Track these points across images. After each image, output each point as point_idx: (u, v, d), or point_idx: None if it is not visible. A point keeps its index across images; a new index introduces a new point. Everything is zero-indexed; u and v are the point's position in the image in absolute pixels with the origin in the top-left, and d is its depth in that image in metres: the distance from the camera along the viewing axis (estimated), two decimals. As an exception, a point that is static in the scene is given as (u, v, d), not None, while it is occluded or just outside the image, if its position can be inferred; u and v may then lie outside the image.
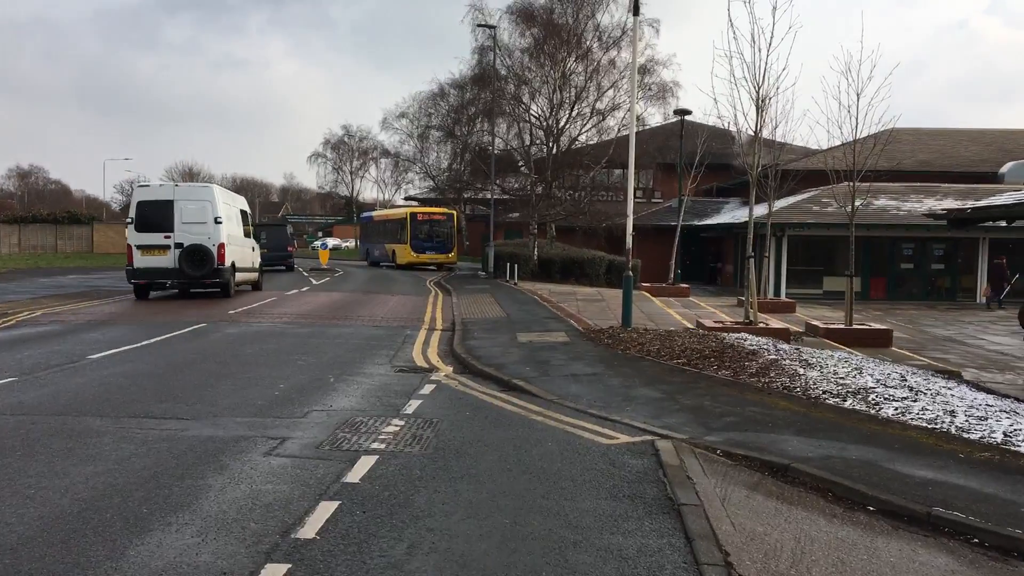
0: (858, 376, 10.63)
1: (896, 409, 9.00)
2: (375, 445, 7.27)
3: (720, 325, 16.62)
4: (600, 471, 6.63)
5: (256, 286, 25.77)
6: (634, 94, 18.11)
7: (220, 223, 21.23)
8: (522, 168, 39.97)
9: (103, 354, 12.21)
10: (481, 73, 38.18)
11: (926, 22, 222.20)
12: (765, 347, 13.10)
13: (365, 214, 62.94)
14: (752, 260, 16.80)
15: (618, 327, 15.96)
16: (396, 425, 8.08)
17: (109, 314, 18.18)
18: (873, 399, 9.41)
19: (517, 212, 43.41)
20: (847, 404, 9.26)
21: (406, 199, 71.66)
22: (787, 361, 11.61)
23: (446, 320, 18.70)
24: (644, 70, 37.53)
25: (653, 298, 26.18)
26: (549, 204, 38.19)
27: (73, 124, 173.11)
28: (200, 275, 21.18)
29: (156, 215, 20.87)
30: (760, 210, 40.33)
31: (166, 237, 20.89)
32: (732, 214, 43.99)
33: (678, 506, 5.74)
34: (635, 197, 54.94)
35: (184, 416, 8.27)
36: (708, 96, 17.21)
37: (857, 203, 38.51)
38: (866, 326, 18.67)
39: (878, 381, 10.32)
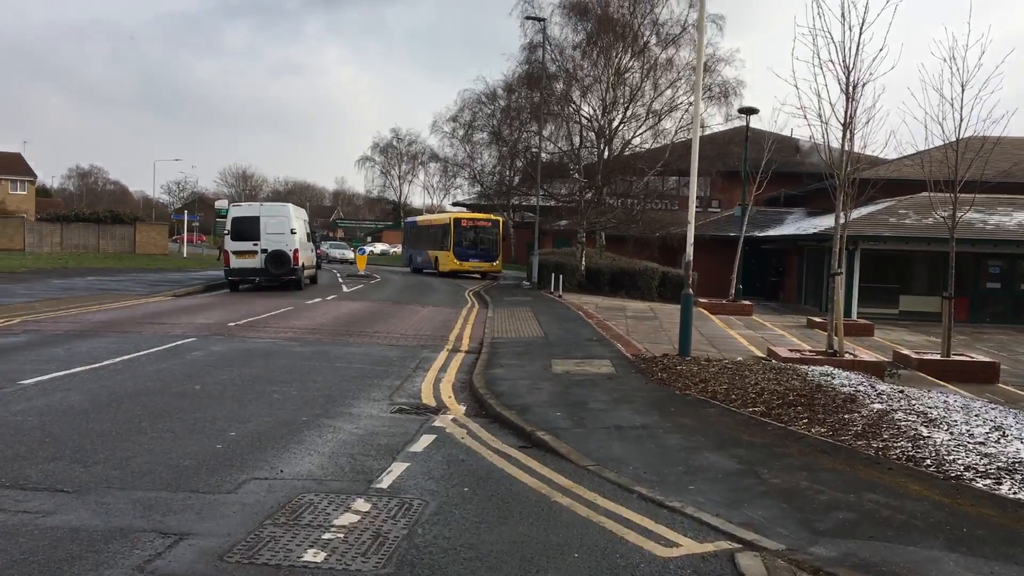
0: (1003, 441, 7.88)
1: (1079, 500, 6.27)
2: (309, 556, 4.81)
3: (797, 355, 13.87)
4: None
5: (313, 280, 30.30)
6: (699, 87, 15.47)
7: (294, 233, 26.33)
8: (572, 173, 37.43)
9: (39, 379, 9.99)
10: (530, 71, 35.76)
11: None
12: (863, 390, 10.37)
13: (409, 219, 61.02)
14: (838, 278, 14.00)
15: (674, 355, 13.33)
16: (357, 511, 5.62)
17: (96, 323, 16.12)
18: (1038, 481, 6.67)
19: (566, 220, 40.87)
20: (1004, 489, 6.54)
21: (454, 204, 69.63)
22: (899, 414, 8.88)
23: (474, 339, 16.26)
24: (705, 69, 34.72)
25: (712, 316, 23.41)
26: (599, 211, 35.58)
27: (134, 126, 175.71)
28: (280, 273, 26.04)
29: (247, 228, 25.79)
30: (827, 221, 37.24)
31: (255, 244, 25.71)
32: (796, 225, 40.81)
33: None
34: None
35: (65, 487, 5.92)
36: (786, 83, 14.69)
37: (942, 214, 34.99)
38: (967, 357, 15.75)
39: (1033, 449, 7.56)
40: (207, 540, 5.00)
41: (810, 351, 14.60)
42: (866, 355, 14.16)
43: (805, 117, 14.35)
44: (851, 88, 13.75)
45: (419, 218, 57.44)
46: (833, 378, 11.37)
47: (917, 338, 23.75)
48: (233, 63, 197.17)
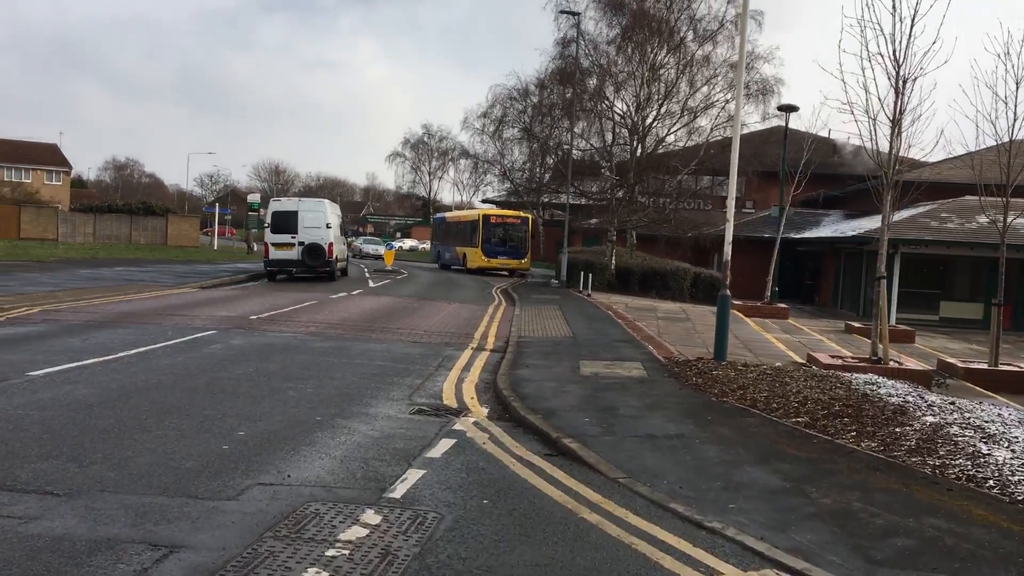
0: (1071, 460, 7.24)
1: None
2: (309, 575, 4.35)
3: (839, 362, 13.22)
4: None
5: (344, 272, 31.59)
6: (741, 78, 14.85)
7: (330, 228, 27.67)
8: (604, 171, 36.81)
9: (48, 371, 9.65)
10: (563, 66, 35.18)
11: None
12: (912, 400, 9.74)
13: (437, 215, 60.72)
14: (882, 282, 13.32)
15: (709, 359, 12.74)
16: (366, 525, 5.15)
17: (117, 314, 15.86)
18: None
19: (596, 218, 40.27)
20: (1079, 516, 5.92)
21: (483, 201, 69.21)
22: (954, 428, 8.25)
23: (500, 337, 15.77)
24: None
25: (747, 319, 22.72)
26: (631, 209, 34.93)
27: (170, 120, 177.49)
28: (316, 264, 27.46)
29: (285, 222, 27.27)
30: (866, 224, 36.27)
31: (292, 237, 27.19)
32: (834, 227, 39.90)
33: None
34: (725, 207, 51.40)
35: (56, 489, 5.51)
36: (832, 76, 13.86)
37: (983, 220, 33.79)
38: (1016, 367, 15.00)
39: (1105, 471, 6.92)
40: (199, 555, 4.55)
41: (852, 358, 13.93)
42: (911, 363, 13.48)
43: (852, 113, 13.67)
44: (901, 83, 13.05)
45: (448, 214, 57.11)
46: (879, 387, 10.72)
47: (959, 345, 22.92)
48: (268, 58, 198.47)
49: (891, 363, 13.08)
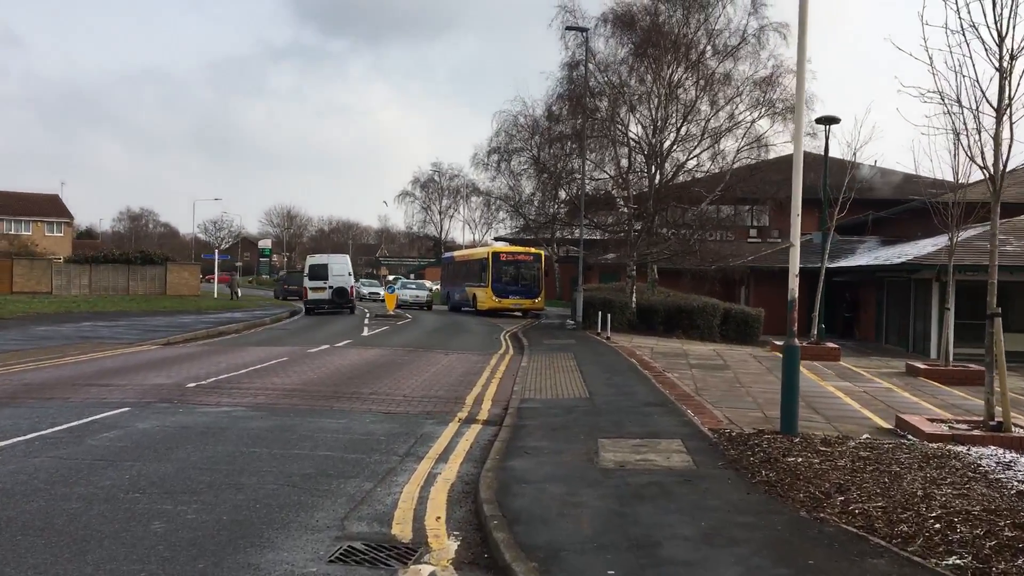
0: None
1: None
2: None
3: (944, 428, 9.90)
4: None
5: (352, 310, 37.72)
6: (803, 57, 11.77)
7: (351, 275, 37.72)
8: (619, 200, 33.72)
9: None
10: (571, 88, 32.27)
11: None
12: (1102, 505, 6.45)
13: (446, 255, 57.88)
14: (998, 320, 10.02)
15: (772, 432, 9.47)
16: None
17: (19, 386, 12.82)
18: None
19: (613, 252, 37.12)
20: None
21: (496, 239, 66.34)
22: None
23: (499, 401, 12.59)
24: (768, 82, 30.96)
25: (793, 363, 19.37)
26: (651, 242, 31.76)
27: (186, 170, 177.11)
28: (342, 302, 36.51)
29: (319, 271, 36.55)
30: (910, 250, 32.87)
31: (324, 282, 36.12)
32: (873, 255, 36.52)
33: None
34: (750, 237, 48.12)
35: None
36: (912, 57, 10.78)
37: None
38: None
39: None
40: None
41: (958, 421, 10.60)
42: (1043, 428, 10.15)
43: (942, 101, 10.53)
44: (1009, 58, 9.90)
45: (456, 253, 54.26)
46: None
47: (1030, 385, 19.42)
48: (280, 105, 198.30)
49: (1014, 428, 9.76)
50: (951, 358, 27.66)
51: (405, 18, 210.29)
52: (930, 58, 10.33)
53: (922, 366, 19.49)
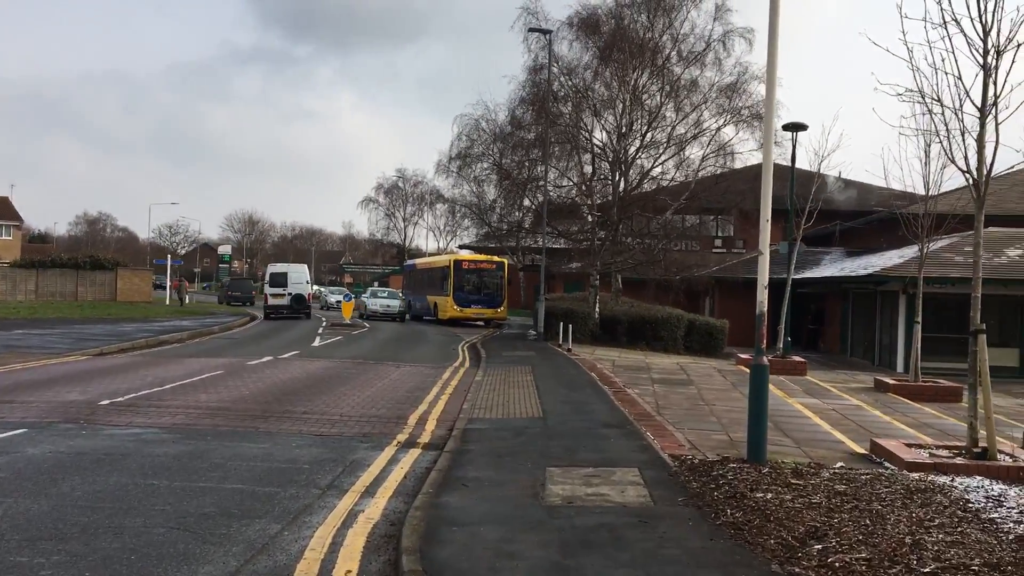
0: None
1: None
2: None
3: (924, 456, 9.08)
4: None
5: (308, 315, 39.63)
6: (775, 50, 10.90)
7: (308, 283, 40.04)
8: (583, 208, 32.89)
9: None
10: (535, 93, 31.40)
11: None
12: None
13: (408, 262, 56.73)
14: (982, 337, 9.23)
15: (738, 459, 8.58)
16: None
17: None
18: None
19: (578, 262, 36.28)
20: None
21: (460, 247, 65.27)
22: None
23: (445, 421, 11.60)
24: (734, 89, 30.36)
25: (759, 378, 18.61)
26: (615, 251, 30.96)
27: (148, 174, 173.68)
28: (300, 308, 38.40)
29: (279, 279, 38.84)
30: (876, 261, 32.43)
31: (284, 289, 38.32)
32: (837, 266, 36.08)
33: None
34: (715, 247, 47.63)
35: None
36: (889, 54, 10.16)
37: (1013, 253, 29.72)
38: None
39: None
40: None
41: (937, 446, 9.79)
42: (1028, 455, 9.37)
43: (922, 100, 9.76)
44: (994, 52, 9.15)
45: (418, 261, 53.18)
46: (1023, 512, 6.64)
47: (1005, 401, 18.81)
48: (245, 110, 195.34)
49: (1000, 456, 8.96)
50: (898, 367, 27.21)
51: (372, 24, 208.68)
52: (909, 52, 9.58)
53: (891, 381, 18.84)
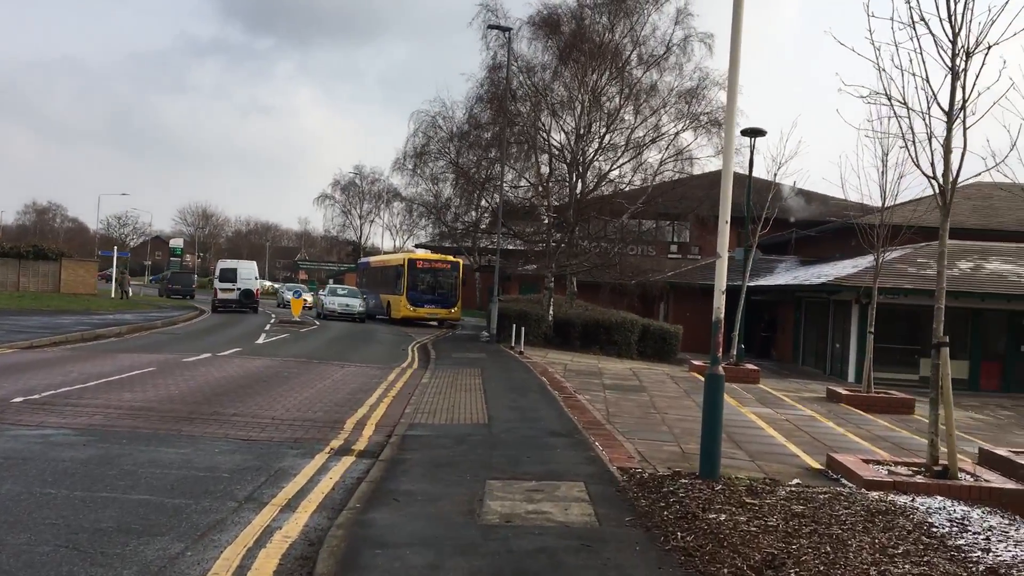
0: None
1: None
2: None
3: (883, 473, 8.70)
4: None
5: (256, 309, 40.39)
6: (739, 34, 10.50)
7: (256, 279, 40.99)
8: (540, 208, 32.38)
9: None
10: (493, 91, 30.85)
11: None
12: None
13: (362, 260, 55.89)
14: (944, 350, 8.87)
15: (690, 474, 8.10)
16: None
17: None
18: None
19: (535, 264, 35.81)
20: None
21: (416, 246, 64.45)
22: None
23: (384, 425, 10.97)
24: (693, 95, 30.11)
25: (713, 386, 18.26)
26: (570, 253, 30.54)
27: (100, 164, 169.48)
28: (248, 303, 39.52)
29: (229, 274, 39.87)
30: (829, 270, 32.45)
31: (233, 284, 39.41)
32: (791, 274, 36.15)
33: None
34: (671, 253, 47.50)
35: None
36: (854, 53, 9.62)
37: (965, 265, 29.80)
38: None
39: None
40: None
41: (895, 462, 9.42)
42: (989, 475, 9.01)
43: (888, 102, 9.38)
44: (964, 55, 8.81)
45: (372, 259, 52.34)
46: (990, 538, 6.25)
47: (959, 414, 18.73)
48: (202, 102, 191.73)
49: (962, 476, 8.61)
50: (849, 377, 27.16)
51: (334, 20, 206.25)
52: (877, 52, 9.21)
53: (843, 392, 18.64)
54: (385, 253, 68.98)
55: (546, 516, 6.58)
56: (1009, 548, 6.07)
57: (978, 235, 30.73)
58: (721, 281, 8.11)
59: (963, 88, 8.87)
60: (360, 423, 11.11)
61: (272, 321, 33.51)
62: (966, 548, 5.97)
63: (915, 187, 32.07)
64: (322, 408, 12.13)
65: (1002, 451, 11.17)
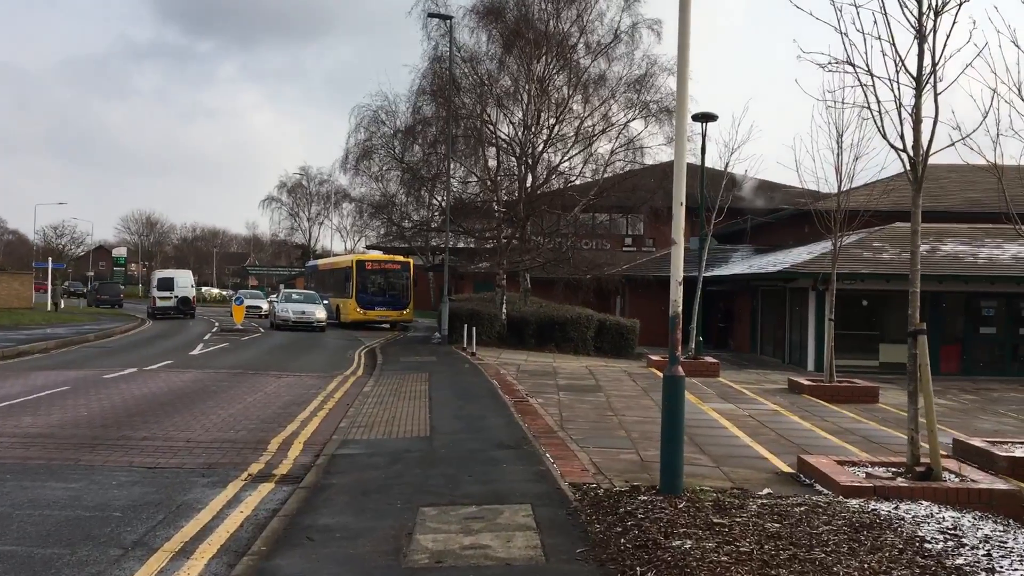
0: None
1: None
2: None
3: (861, 477, 7.89)
4: None
5: (193, 315, 41.74)
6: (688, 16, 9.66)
7: (193, 287, 44.44)
8: (491, 203, 31.39)
9: None
10: (436, 83, 29.77)
11: None
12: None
13: (310, 263, 54.39)
14: (922, 338, 8.10)
15: (651, 491, 7.21)
16: None
17: None
18: None
19: (487, 262, 34.82)
20: None
21: (368, 247, 63.04)
22: None
23: (314, 444, 9.92)
24: (642, 83, 29.37)
25: (672, 382, 17.49)
26: (522, 249, 29.63)
27: (40, 173, 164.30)
28: (185, 309, 41.00)
29: (167, 283, 41.91)
30: (784, 258, 32.03)
31: (170, 292, 41.03)
32: (746, 263, 35.63)
33: None
34: (625, 246, 46.87)
35: None
36: (817, 20, 9.21)
37: (924, 248, 29.60)
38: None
39: None
40: None
41: (873, 463, 8.63)
42: (977, 474, 8.24)
43: (855, 71, 8.57)
44: (931, 15, 8.04)
45: (320, 261, 50.95)
46: (991, 554, 5.45)
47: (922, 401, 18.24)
48: (143, 107, 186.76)
49: (947, 476, 7.85)
50: (809, 365, 26.69)
51: (277, 20, 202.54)
52: (838, 14, 8.39)
53: (805, 382, 17.99)
54: (335, 256, 67.49)
55: (485, 552, 5.62)
56: (1015, 566, 5.26)
57: (928, 217, 30.45)
58: (678, 271, 7.22)
59: (932, 51, 8.11)
60: (286, 442, 10.04)
61: (214, 329, 32.11)
62: (967, 570, 5.15)
63: (870, 169, 31.58)
64: (246, 426, 11.03)
65: (978, 442, 10.51)
